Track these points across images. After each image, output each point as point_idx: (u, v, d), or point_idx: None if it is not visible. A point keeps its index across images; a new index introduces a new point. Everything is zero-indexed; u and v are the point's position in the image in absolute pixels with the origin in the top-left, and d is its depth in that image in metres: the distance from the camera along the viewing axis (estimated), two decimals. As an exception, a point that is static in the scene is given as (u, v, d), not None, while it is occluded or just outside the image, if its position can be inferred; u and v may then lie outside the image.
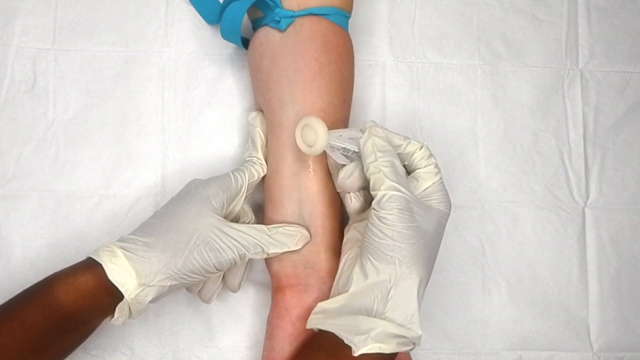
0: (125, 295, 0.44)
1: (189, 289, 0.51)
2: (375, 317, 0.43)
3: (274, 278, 0.52)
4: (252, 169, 0.51)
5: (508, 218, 0.59)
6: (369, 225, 0.44)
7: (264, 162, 0.52)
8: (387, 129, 0.47)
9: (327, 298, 0.49)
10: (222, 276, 0.52)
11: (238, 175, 0.50)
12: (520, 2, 0.62)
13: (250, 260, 0.50)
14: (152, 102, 0.58)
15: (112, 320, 0.46)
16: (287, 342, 0.49)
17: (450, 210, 0.47)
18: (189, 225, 0.46)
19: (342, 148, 0.48)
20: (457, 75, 0.61)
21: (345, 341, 0.42)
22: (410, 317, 0.43)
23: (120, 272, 0.44)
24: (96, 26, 0.58)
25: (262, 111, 0.54)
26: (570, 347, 0.58)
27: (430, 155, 0.48)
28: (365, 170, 0.46)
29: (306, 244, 0.50)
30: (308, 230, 0.50)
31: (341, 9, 0.52)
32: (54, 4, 0.58)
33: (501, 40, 0.62)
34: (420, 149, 0.48)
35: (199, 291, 0.51)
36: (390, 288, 0.43)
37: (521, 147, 0.60)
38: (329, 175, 0.51)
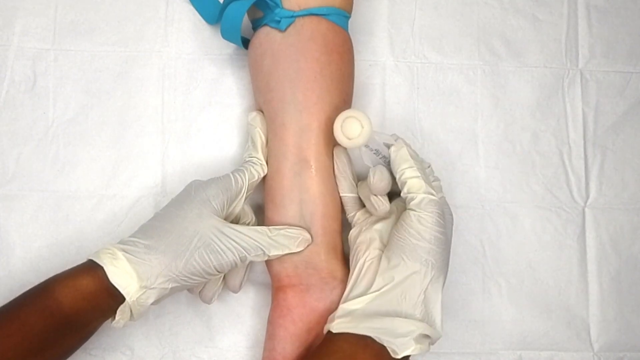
0: (127, 298, 0.44)
1: (190, 289, 0.51)
2: (406, 318, 0.44)
3: (274, 278, 0.52)
4: (252, 169, 0.51)
5: (508, 218, 0.59)
6: (405, 226, 0.46)
7: (264, 163, 0.52)
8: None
9: (329, 298, 0.50)
10: (222, 277, 0.52)
11: (238, 176, 0.50)
12: (520, 2, 0.62)
13: (251, 261, 0.50)
14: (152, 102, 0.58)
15: (113, 322, 0.46)
16: (288, 342, 0.49)
17: (453, 222, 0.51)
18: (189, 227, 0.46)
19: (376, 150, 0.49)
20: (457, 75, 0.61)
21: (385, 343, 0.43)
22: (435, 318, 0.46)
23: (122, 274, 0.44)
24: (96, 26, 0.58)
25: (262, 111, 0.54)
26: (571, 347, 0.58)
27: (435, 175, 0.52)
28: (398, 175, 0.48)
29: (307, 246, 0.50)
30: (309, 231, 0.50)
31: (341, 9, 0.52)
32: (54, 4, 0.58)
33: (501, 40, 0.62)
34: (428, 167, 0.51)
35: (199, 292, 0.51)
36: (421, 291, 0.45)
37: (521, 147, 0.60)
38: (331, 176, 0.51)
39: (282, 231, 0.49)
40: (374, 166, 0.49)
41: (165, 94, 0.58)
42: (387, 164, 0.50)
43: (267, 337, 0.51)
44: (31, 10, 0.58)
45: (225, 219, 0.49)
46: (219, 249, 0.46)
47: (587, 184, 0.60)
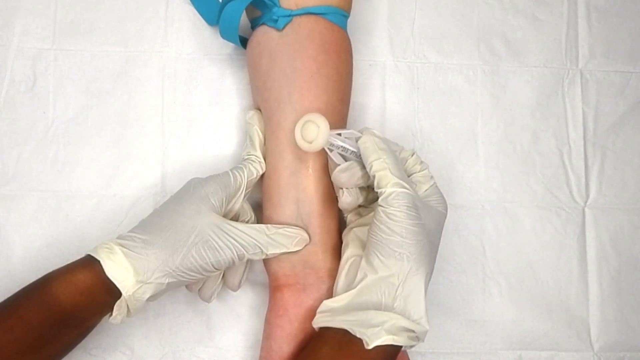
0: (123, 292, 0.44)
1: (188, 287, 0.51)
2: (385, 310, 0.44)
3: (272, 277, 0.52)
4: (251, 167, 0.51)
5: (508, 218, 0.59)
6: (376, 223, 0.45)
7: (262, 160, 0.52)
8: (381, 135, 0.49)
9: (326, 297, 0.50)
10: (222, 275, 0.52)
11: (237, 173, 0.50)
12: (520, 2, 0.62)
13: (249, 259, 0.50)
14: (152, 102, 0.58)
15: (111, 318, 0.46)
16: (285, 341, 0.49)
17: (447, 212, 0.49)
18: (187, 223, 0.46)
19: (341, 147, 0.48)
20: (457, 75, 0.61)
21: (358, 335, 0.43)
22: (419, 312, 0.44)
23: (118, 269, 0.44)
24: (96, 26, 0.58)
25: (260, 110, 0.54)
26: (571, 347, 0.58)
27: (422, 162, 0.50)
28: (368, 168, 0.46)
29: (305, 245, 0.50)
30: (306, 230, 0.50)
31: (340, 8, 0.52)
32: (53, 4, 0.58)
33: (501, 40, 0.62)
34: (412, 155, 0.50)
35: (199, 290, 0.51)
36: (399, 284, 0.44)
37: (521, 147, 0.60)
38: (328, 175, 0.51)
39: (280, 230, 0.49)
40: (347, 162, 0.48)
41: (165, 94, 0.58)
42: (360, 158, 0.49)
43: (264, 336, 0.51)
44: (31, 10, 0.58)
45: (225, 216, 0.49)
46: (217, 246, 0.46)
47: (587, 184, 0.60)
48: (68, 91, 0.57)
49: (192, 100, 0.58)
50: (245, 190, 0.51)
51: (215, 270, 0.47)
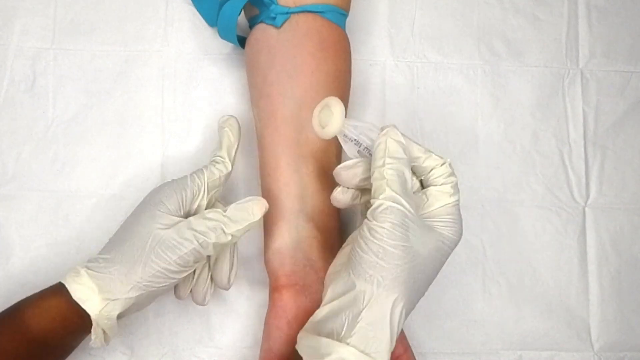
0: (90, 313, 0.43)
1: (177, 295, 0.50)
2: (342, 339, 0.39)
3: (272, 277, 0.52)
4: (212, 168, 0.49)
5: (508, 218, 0.59)
6: (358, 237, 0.41)
7: (227, 160, 0.49)
8: (409, 138, 0.44)
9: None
10: (210, 276, 0.50)
11: (195, 176, 0.48)
12: (520, 2, 0.62)
13: (235, 254, 0.48)
14: (152, 102, 0.58)
15: (91, 343, 0.45)
16: (284, 342, 0.49)
17: (458, 238, 0.43)
18: (143, 231, 0.45)
19: (355, 140, 0.44)
20: (457, 75, 0.61)
21: None
22: (377, 345, 0.39)
23: (83, 290, 0.43)
24: (96, 26, 0.58)
25: (255, 110, 0.53)
26: (571, 347, 0.58)
27: (451, 174, 0.43)
28: (371, 173, 0.42)
29: (265, 210, 0.47)
30: (307, 228, 0.49)
31: (338, 6, 0.52)
32: (53, 4, 0.58)
33: (501, 40, 0.62)
34: (441, 165, 0.43)
35: (191, 295, 0.50)
36: (362, 310, 0.39)
37: (521, 147, 0.60)
38: (329, 173, 0.51)
39: (235, 205, 0.46)
40: (356, 159, 0.45)
41: (165, 94, 0.58)
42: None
43: (263, 338, 0.51)
44: (31, 10, 0.58)
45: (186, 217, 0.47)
46: (175, 243, 0.44)
47: (587, 183, 0.60)
48: (68, 91, 0.57)
49: (192, 100, 0.58)
50: (210, 191, 0.48)
51: (182, 269, 0.45)
